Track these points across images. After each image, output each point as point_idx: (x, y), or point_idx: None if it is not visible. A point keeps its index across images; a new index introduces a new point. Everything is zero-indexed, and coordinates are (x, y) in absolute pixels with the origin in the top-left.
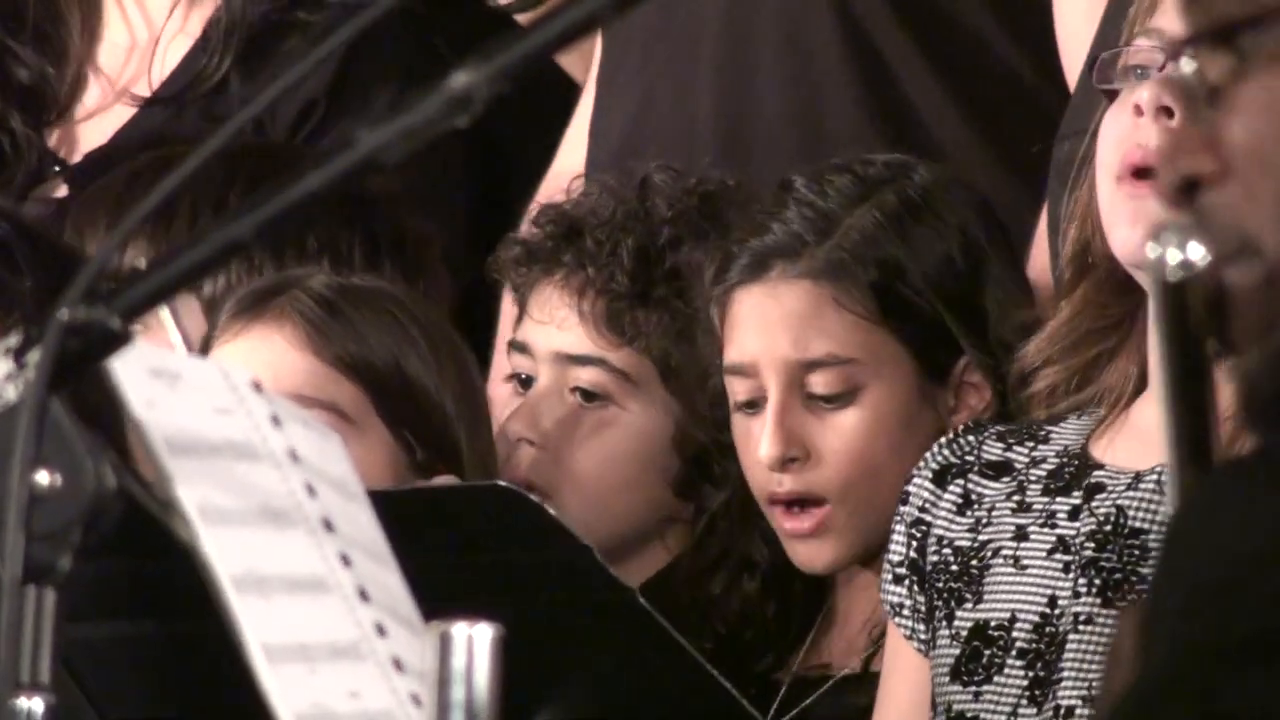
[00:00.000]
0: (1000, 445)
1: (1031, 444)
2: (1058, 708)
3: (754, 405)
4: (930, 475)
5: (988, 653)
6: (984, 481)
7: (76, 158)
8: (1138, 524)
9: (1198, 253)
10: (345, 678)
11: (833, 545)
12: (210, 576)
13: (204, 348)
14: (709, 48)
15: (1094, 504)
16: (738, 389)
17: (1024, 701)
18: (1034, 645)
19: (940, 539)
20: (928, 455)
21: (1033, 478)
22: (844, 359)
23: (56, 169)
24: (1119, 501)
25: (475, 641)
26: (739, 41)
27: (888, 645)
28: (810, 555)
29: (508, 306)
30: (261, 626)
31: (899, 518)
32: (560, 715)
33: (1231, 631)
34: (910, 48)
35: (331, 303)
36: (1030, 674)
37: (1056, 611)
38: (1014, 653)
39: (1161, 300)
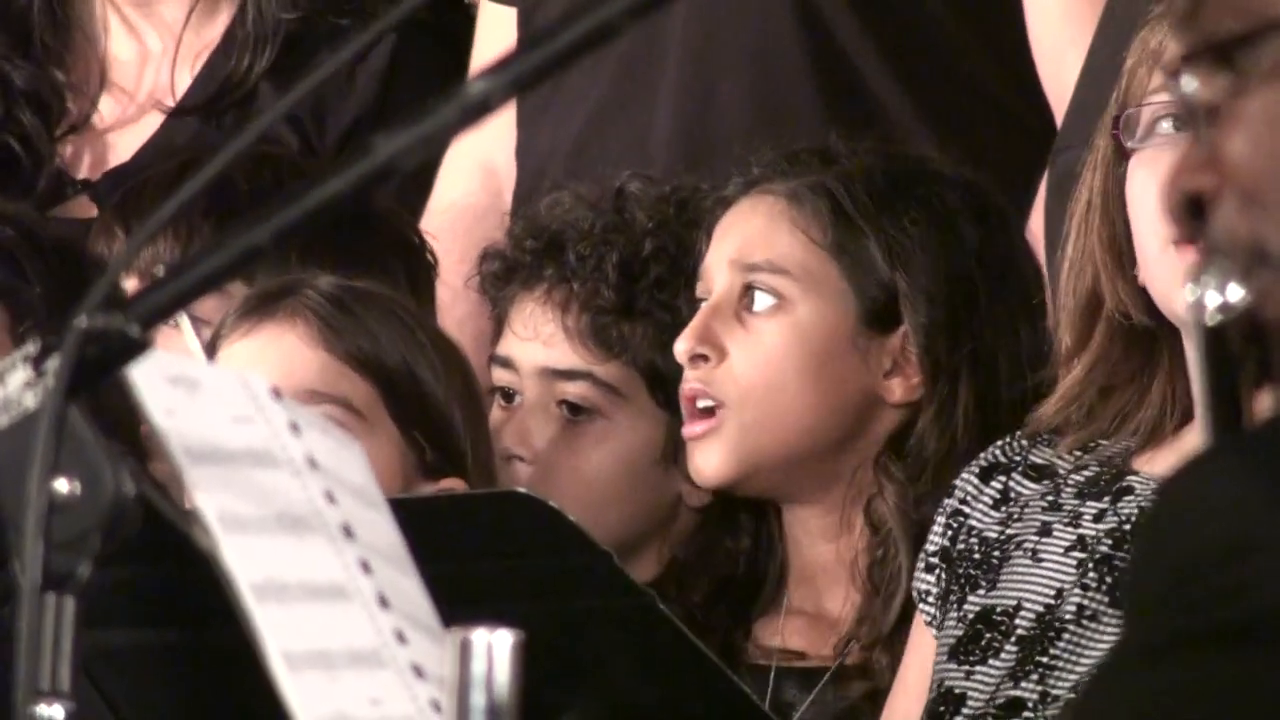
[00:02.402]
0: (1049, 451)
1: (1079, 453)
2: (1044, 694)
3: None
4: (977, 471)
5: (988, 636)
6: (1025, 482)
7: (98, 171)
8: None
9: (1236, 294)
10: (365, 685)
11: (717, 454)
12: (230, 584)
13: (210, 347)
14: (668, 67)
15: (1119, 505)
16: (700, 293)
17: (1006, 680)
18: (1032, 632)
19: (971, 529)
20: (982, 454)
21: (1070, 482)
22: (779, 269)
23: (80, 186)
24: (1144, 504)
25: (495, 648)
26: (700, 59)
27: (912, 632)
28: (698, 463)
29: (459, 317)
30: (282, 634)
31: (941, 509)
32: None
33: (1211, 614)
34: (877, 57)
35: (342, 301)
36: (1021, 655)
37: (1059, 602)
38: (1013, 639)
39: (1203, 344)
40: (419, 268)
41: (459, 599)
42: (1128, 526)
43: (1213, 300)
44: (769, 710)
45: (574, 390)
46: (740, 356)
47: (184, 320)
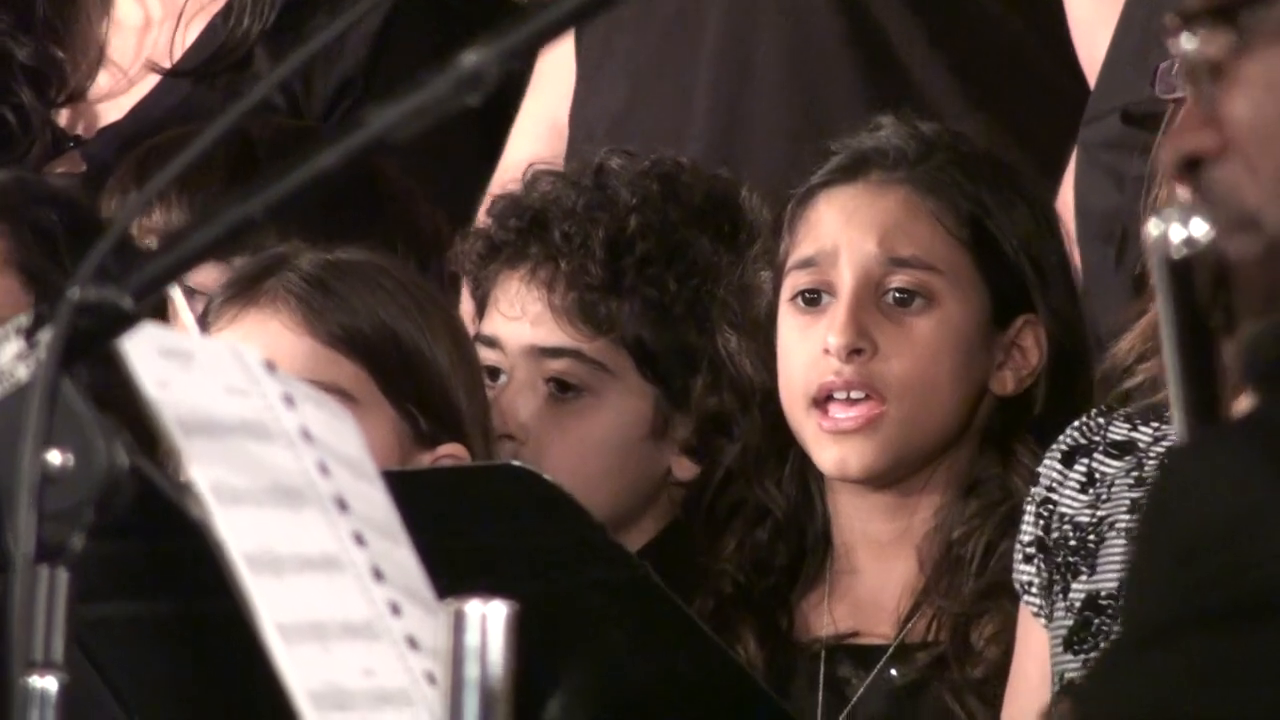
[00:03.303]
0: (1126, 426)
1: (1157, 424)
2: None
3: (815, 301)
4: (1059, 456)
5: (1096, 621)
6: (1108, 460)
7: (91, 131)
8: None
9: (1200, 229)
10: (359, 656)
11: (873, 448)
12: (224, 556)
13: (201, 324)
14: (709, 32)
15: None
16: (803, 280)
17: None
18: None
19: (1063, 516)
20: (1060, 438)
21: (1153, 454)
22: (928, 265)
23: (72, 144)
24: None
25: (489, 619)
26: (739, 24)
27: (1020, 624)
28: (845, 455)
29: (465, 301)
30: (275, 606)
31: (1030, 499)
32: (575, 692)
33: (1217, 592)
34: (915, 31)
35: (323, 280)
36: None
37: None
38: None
39: (1166, 276)
40: (421, 236)
41: (453, 571)
42: None
43: (1177, 234)
44: (824, 687)
45: (562, 368)
46: (896, 352)
47: (176, 293)
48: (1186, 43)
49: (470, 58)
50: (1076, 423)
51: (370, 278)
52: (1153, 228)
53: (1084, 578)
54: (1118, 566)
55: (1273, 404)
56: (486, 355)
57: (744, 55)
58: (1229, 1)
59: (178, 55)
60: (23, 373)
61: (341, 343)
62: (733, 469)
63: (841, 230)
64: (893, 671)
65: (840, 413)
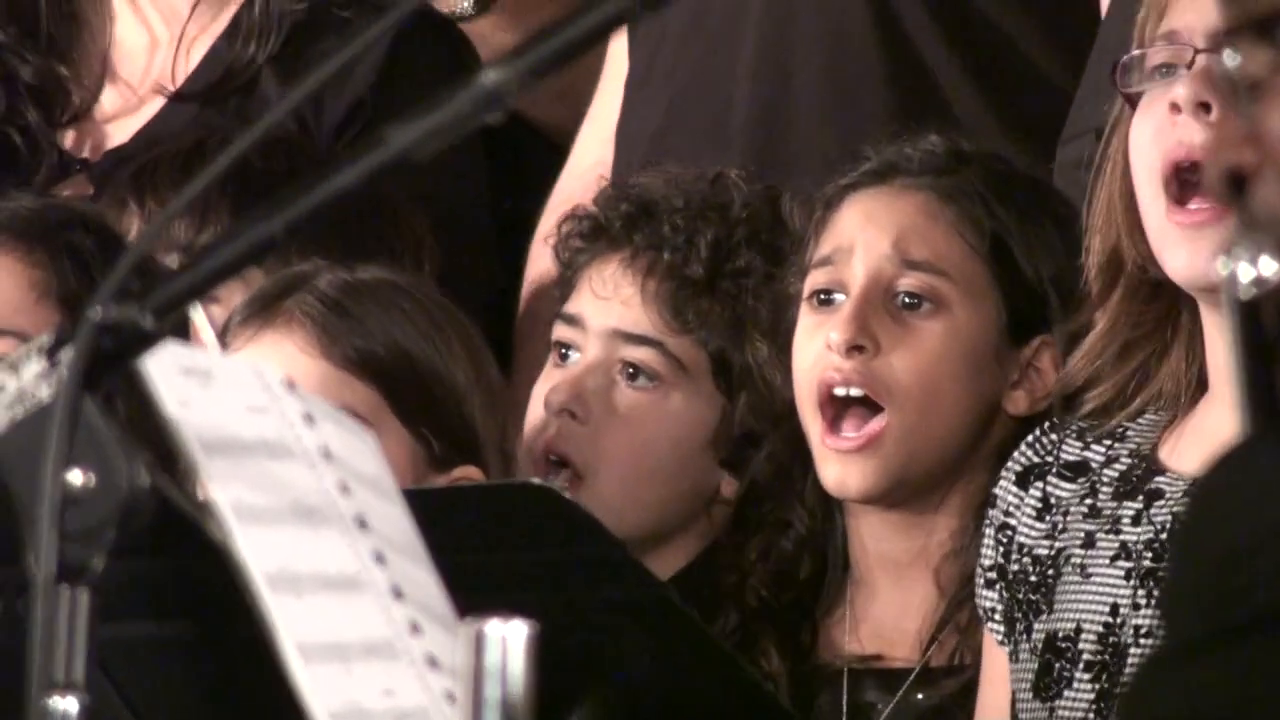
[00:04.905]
0: (1079, 444)
1: (1109, 442)
2: None
3: (829, 300)
4: (1013, 477)
5: (1057, 665)
6: (1061, 483)
7: (98, 154)
8: None
9: (1270, 268)
10: (380, 676)
11: (874, 467)
12: (244, 575)
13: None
14: (747, 48)
15: (1153, 511)
16: (819, 279)
17: (1092, 715)
18: (1099, 657)
19: (1021, 546)
20: (1014, 456)
21: (1105, 479)
22: (941, 270)
23: (79, 167)
24: (1175, 509)
25: (509, 639)
26: (777, 41)
27: (984, 650)
28: (845, 474)
29: (541, 276)
30: (296, 625)
31: (988, 521)
32: (594, 712)
33: (1254, 602)
34: (947, 47)
35: (339, 302)
36: (1096, 686)
37: (1119, 621)
38: (1081, 665)
39: (1236, 317)
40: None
41: (473, 590)
42: (1164, 536)
43: (1246, 274)
44: (847, 711)
45: (640, 355)
46: (898, 354)
47: (197, 311)
48: (1228, 59)
49: (490, 75)
50: (1029, 438)
51: (387, 298)
52: (1221, 266)
53: (1044, 617)
54: (1073, 605)
55: None
56: (564, 333)
57: (782, 73)
58: (1267, 18)
59: (181, 78)
60: (45, 392)
61: (355, 365)
62: (759, 482)
63: (859, 229)
64: (919, 695)
65: (837, 433)
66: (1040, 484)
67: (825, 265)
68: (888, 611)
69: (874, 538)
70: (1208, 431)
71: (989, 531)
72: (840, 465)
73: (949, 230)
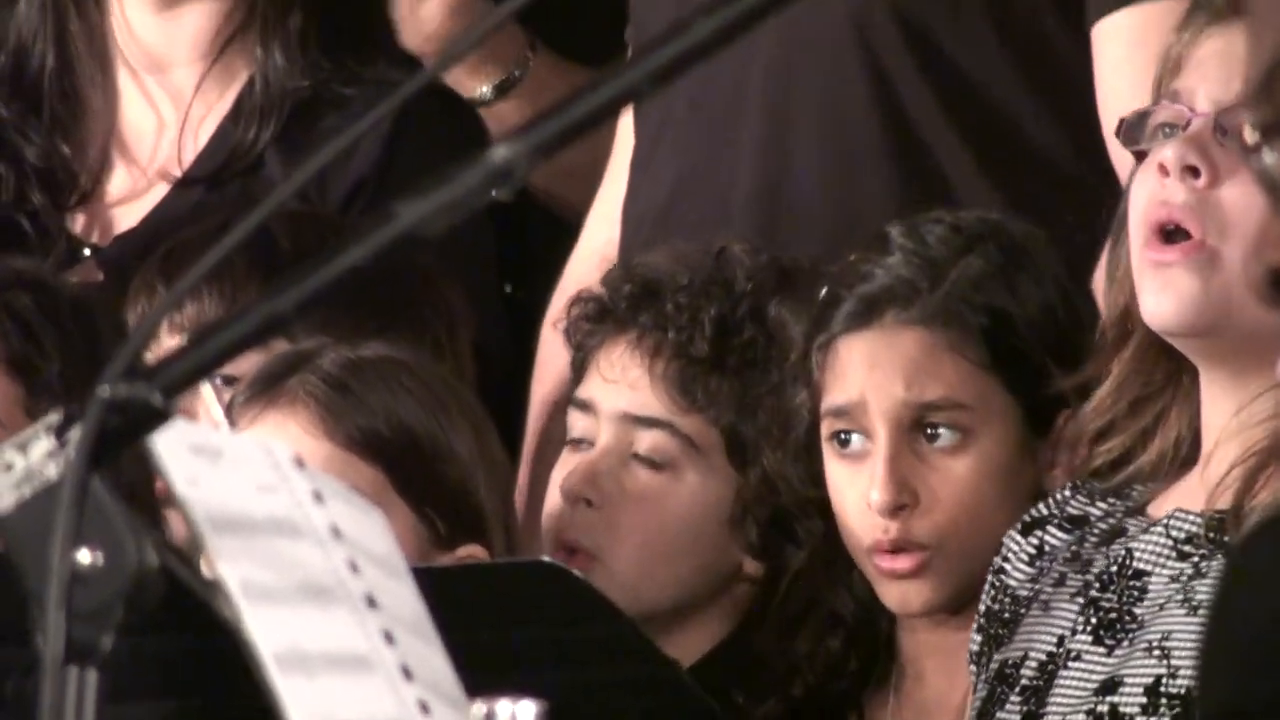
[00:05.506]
0: (1085, 500)
1: (1114, 500)
2: None
3: (849, 445)
4: (1020, 527)
5: (999, 690)
6: (1058, 534)
7: (106, 239)
8: (1142, 565)
9: None
10: None
11: (930, 587)
12: (253, 655)
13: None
14: (750, 127)
15: (1113, 546)
16: (837, 425)
17: None
18: (1034, 682)
19: (1006, 588)
20: (1029, 510)
21: (1095, 531)
22: (959, 404)
23: (87, 252)
24: (1131, 544)
25: (519, 718)
26: (779, 119)
27: (972, 695)
28: (905, 596)
29: (551, 359)
30: (305, 705)
31: (992, 567)
32: None
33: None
34: (947, 125)
35: (343, 382)
36: (1024, 709)
37: (1062, 650)
38: (1016, 689)
39: None
40: (449, 329)
41: (483, 668)
42: (1114, 568)
43: None
44: None
45: (651, 439)
46: (938, 501)
47: (205, 387)
48: (1267, 156)
49: (501, 151)
50: (1050, 495)
51: (391, 376)
52: None
53: (1003, 647)
54: (1027, 636)
55: None
56: (578, 422)
57: (784, 149)
58: None
59: (188, 159)
60: (52, 471)
61: (359, 445)
62: (801, 571)
63: (865, 378)
64: None
65: (886, 563)
66: (1039, 533)
67: (842, 416)
68: (934, 697)
69: (924, 628)
70: (1189, 491)
71: (989, 578)
72: (898, 586)
73: (954, 357)
